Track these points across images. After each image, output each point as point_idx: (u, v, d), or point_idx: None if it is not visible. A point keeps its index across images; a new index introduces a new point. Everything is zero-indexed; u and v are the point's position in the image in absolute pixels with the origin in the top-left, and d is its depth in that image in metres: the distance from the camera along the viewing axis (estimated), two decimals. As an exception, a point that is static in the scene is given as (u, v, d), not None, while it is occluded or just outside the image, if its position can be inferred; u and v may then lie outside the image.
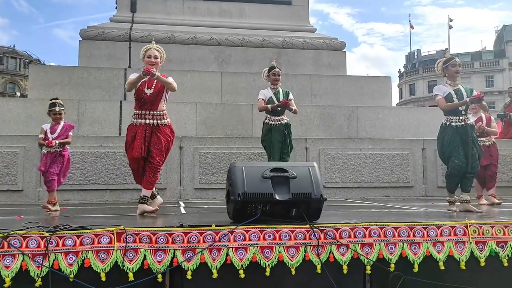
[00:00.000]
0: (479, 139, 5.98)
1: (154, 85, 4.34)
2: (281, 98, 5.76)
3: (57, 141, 5.04)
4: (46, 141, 5.00)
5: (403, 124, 9.22)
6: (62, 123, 5.22)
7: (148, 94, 4.32)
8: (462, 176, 4.65)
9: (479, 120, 6.16)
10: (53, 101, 5.26)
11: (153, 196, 4.52)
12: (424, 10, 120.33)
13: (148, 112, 4.32)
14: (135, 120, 4.36)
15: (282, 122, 5.75)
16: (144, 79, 4.32)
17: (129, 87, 4.43)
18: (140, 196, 4.38)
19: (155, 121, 4.33)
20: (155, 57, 4.44)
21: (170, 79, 4.40)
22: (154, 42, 4.64)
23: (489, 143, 6.14)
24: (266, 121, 5.82)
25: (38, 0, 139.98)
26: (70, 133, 5.23)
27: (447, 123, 4.67)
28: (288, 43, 10.28)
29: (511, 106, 9.66)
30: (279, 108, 5.71)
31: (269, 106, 5.69)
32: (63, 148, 5.12)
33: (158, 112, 4.35)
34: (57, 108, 5.17)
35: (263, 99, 5.78)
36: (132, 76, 4.38)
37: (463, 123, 4.61)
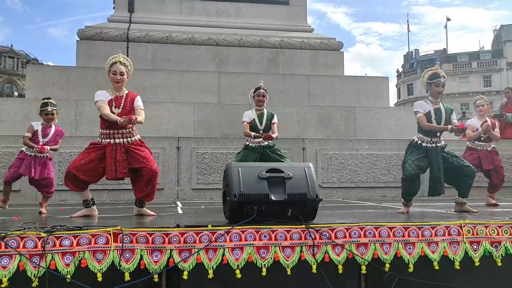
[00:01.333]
0: (481, 143, 5.95)
1: (122, 105, 4.12)
2: (264, 121, 5.69)
3: (48, 148, 4.80)
4: (40, 147, 4.72)
5: (400, 124, 9.24)
6: (54, 127, 4.95)
7: (116, 114, 4.07)
8: (456, 185, 4.57)
9: (485, 123, 6.10)
10: (45, 100, 4.97)
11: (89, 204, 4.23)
12: (421, 9, 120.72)
13: (116, 131, 4.08)
14: (102, 140, 4.12)
15: (262, 144, 5.65)
16: (109, 98, 4.14)
17: (110, 120, 4.05)
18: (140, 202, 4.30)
19: (125, 139, 4.10)
20: (121, 74, 4.15)
21: (142, 117, 4.11)
22: (120, 53, 4.36)
23: (490, 148, 6.07)
24: (246, 142, 5.79)
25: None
26: (60, 140, 5.02)
27: (418, 141, 4.55)
28: (285, 43, 10.30)
29: (508, 107, 9.71)
30: (260, 129, 5.67)
31: (252, 134, 5.65)
32: (48, 153, 4.88)
33: (127, 131, 4.11)
34: (49, 108, 4.88)
35: (248, 122, 5.71)
36: (100, 99, 4.10)
37: (434, 145, 4.49)
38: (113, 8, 10.57)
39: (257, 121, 5.70)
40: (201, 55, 9.90)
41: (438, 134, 4.54)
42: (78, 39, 9.80)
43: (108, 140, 4.09)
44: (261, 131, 5.65)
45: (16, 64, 49.55)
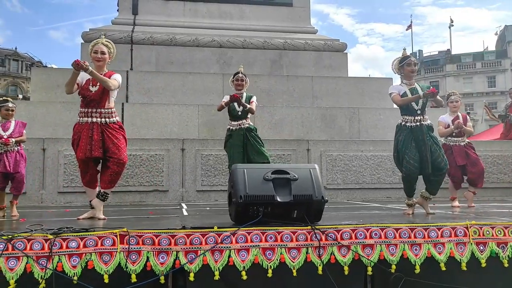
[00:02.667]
0: (453, 139, 5.89)
1: (98, 84, 4.08)
2: (243, 101, 5.72)
3: (13, 139, 4.79)
4: (3, 139, 4.73)
5: (405, 125, 9.21)
6: (13, 121, 4.98)
7: (93, 92, 4.08)
8: (425, 178, 4.57)
9: (456, 119, 5.96)
10: (5, 98, 5.06)
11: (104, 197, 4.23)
12: (424, 10, 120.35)
13: (94, 110, 4.08)
14: (81, 118, 4.12)
15: (242, 126, 5.65)
16: (87, 77, 4.09)
17: (67, 88, 4.11)
18: (100, 192, 4.22)
19: (103, 119, 4.08)
20: (102, 53, 4.18)
21: (112, 77, 4.11)
22: (104, 36, 4.37)
23: (464, 143, 5.92)
24: (227, 126, 5.81)
25: (33, 1, 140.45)
26: (24, 131, 5.01)
27: (402, 123, 4.56)
28: (289, 44, 10.30)
29: (513, 107, 9.68)
30: (239, 108, 5.64)
31: (223, 101, 5.67)
32: (19, 146, 4.89)
33: (105, 110, 4.11)
34: (10, 104, 4.94)
35: (223, 101, 5.73)
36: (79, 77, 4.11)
37: (418, 123, 4.48)
38: (117, 10, 10.61)
39: (235, 103, 5.68)
40: (205, 57, 9.92)
41: (419, 112, 4.51)
42: (83, 41, 9.83)
43: (86, 119, 4.09)
44: (239, 113, 5.66)
45: (20, 67, 49.78)
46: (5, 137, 4.79)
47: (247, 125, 5.69)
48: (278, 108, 8.89)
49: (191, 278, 2.97)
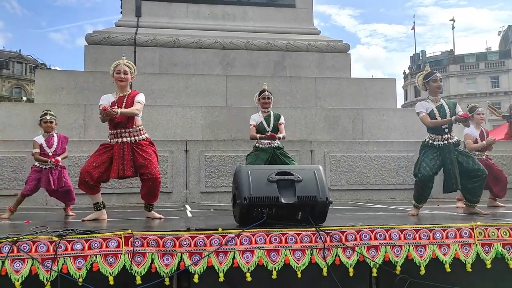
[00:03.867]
0: (476, 152, 5.82)
1: (124, 103, 4.18)
2: (271, 122, 5.67)
3: (60, 158, 4.92)
4: (54, 160, 4.83)
5: (408, 125, 9.20)
6: (55, 135, 5.06)
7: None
8: (462, 191, 4.49)
9: (482, 134, 6.01)
10: (45, 111, 5.13)
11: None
12: (426, 10, 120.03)
13: (123, 130, 4.16)
14: (111, 140, 4.20)
15: (272, 145, 5.63)
16: (112, 99, 4.21)
17: (101, 120, 4.20)
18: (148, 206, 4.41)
19: (132, 138, 4.17)
20: (125, 73, 4.27)
21: (136, 100, 4.21)
22: (125, 58, 4.48)
23: (484, 156, 5.94)
24: (256, 144, 5.77)
25: (33, 3, 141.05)
26: (66, 146, 5.12)
27: (430, 141, 4.51)
28: (292, 45, 10.30)
29: (517, 108, 9.62)
30: (268, 130, 5.65)
31: (258, 136, 5.63)
32: (61, 162, 4.99)
33: (133, 129, 4.19)
34: (48, 116, 5.01)
35: (254, 126, 5.71)
36: (102, 102, 4.18)
37: (446, 142, 4.43)
38: (120, 13, 10.64)
39: (264, 123, 5.70)
40: (208, 59, 9.93)
41: (446, 130, 4.47)
42: (86, 44, 9.87)
43: (116, 139, 4.17)
44: (268, 132, 5.65)
45: (24, 69, 49.99)
46: (50, 154, 4.90)
47: (276, 144, 5.67)
48: (281, 109, 8.85)
49: (196, 279, 2.97)
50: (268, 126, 5.69)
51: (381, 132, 9.04)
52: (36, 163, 4.94)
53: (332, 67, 10.39)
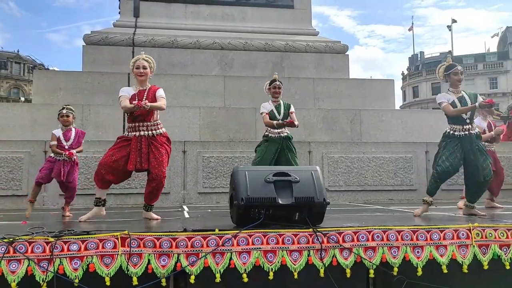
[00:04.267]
0: (486, 143, 5.76)
1: (145, 97, 4.24)
2: (282, 110, 5.67)
3: (75, 151, 5.00)
4: (68, 153, 4.90)
5: (407, 126, 9.22)
6: (74, 130, 5.15)
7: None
8: (472, 186, 4.46)
9: (490, 125, 6.02)
10: (63, 105, 5.26)
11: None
12: (425, 11, 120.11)
13: (142, 124, 4.23)
14: (129, 133, 4.27)
15: (282, 135, 5.63)
16: (133, 93, 4.28)
17: (126, 110, 4.32)
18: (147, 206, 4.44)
19: (149, 132, 4.24)
20: (144, 67, 4.35)
21: (159, 94, 4.32)
22: (143, 52, 4.55)
23: (493, 148, 5.99)
24: (266, 133, 5.77)
25: (32, 4, 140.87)
26: (82, 141, 5.19)
27: (451, 132, 4.45)
28: (290, 46, 10.31)
29: (515, 108, 9.64)
30: (279, 118, 5.62)
31: (274, 123, 5.62)
32: (75, 156, 5.08)
33: (152, 123, 4.27)
34: (64, 111, 5.10)
35: (266, 113, 5.70)
36: (123, 94, 4.27)
37: (467, 132, 4.39)
38: (119, 13, 10.63)
39: (275, 111, 5.69)
40: (206, 59, 9.93)
41: (468, 121, 4.43)
42: (84, 44, 9.86)
43: (134, 133, 4.22)
44: (280, 121, 5.63)
45: (22, 70, 49.92)
46: (66, 147, 4.99)
47: (286, 134, 5.67)
48: (279, 110, 8.88)
49: (192, 280, 2.96)
50: (279, 114, 5.68)
51: (380, 133, 9.05)
52: (52, 154, 5.05)
53: (330, 68, 10.39)
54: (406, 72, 56.99)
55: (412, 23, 78.87)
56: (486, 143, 5.89)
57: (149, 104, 4.10)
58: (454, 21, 51.24)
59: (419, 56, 57.57)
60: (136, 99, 4.21)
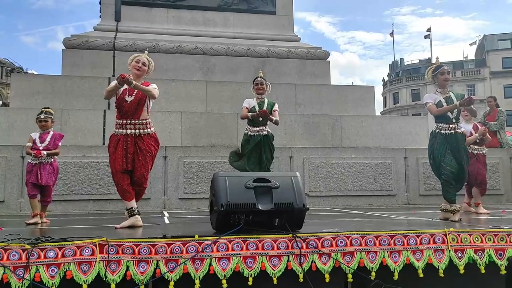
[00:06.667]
0: (477, 147, 5.96)
1: (135, 92, 4.12)
2: (265, 108, 5.75)
3: (45, 152, 4.88)
4: (35, 152, 4.84)
5: (386, 132, 9.34)
6: (51, 132, 5.07)
7: (128, 102, 4.12)
8: (457, 183, 4.59)
9: (475, 127, 6.11)
10: (42, 109, 5.18)
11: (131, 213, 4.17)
12: (404, 19, 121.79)
13: (129, 121, 4.12)
14: (117, 130, 4.16)
15: (261, 133, 5.71)
16: (123, 87, 4.14)
17: (107, 94, 4.21)
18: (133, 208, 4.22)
19: (137, 130, 4.13)
20: (143, 64, 4.28)
21: (151, 87, 4.19)
22: (147, 52, 4.53)
23: (484, 151, 6.05)
24: (245, 131, 5.84)
25: (10, 6, 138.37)
26: (59, 144, 5.08)
27: (437, 130, 4.61)
28: (272, 52, 10.37)
29: (491, 115, 9.88)
30: (260, 119, 5.69)
31: (249, 114, 5.70)
32: (53, 159, 4.99)
33: (140, 121, 4.15)
34: (42, 116, 5.03)
35: (246, 108, 5.78)
36: (113, 83, 4.19)
37: (453, 131, 4.54)
38: (99, 17, 10.55)
39: (257, 108, 5.73)
40: (188, 64, 9.91)
41: (454, 120, 4.57)
42: (64, 48, 9.74)
43: (121, 130, 4.14)
44: (260, 119, 5.66)
45: (0, 73, 48.93)
46: (40, 148, 4.91)
47: (266, 132, 5.72)
48: (261, 115, 8.91)
49: (171, 287, 2.95)
50: (265, 120, 5.73)
51: (360, 139, 9.15)
52: (29, 159, 5.00)
53: (312, 74, 10.48)
54: (386, 79, 57.81)
55: (393, 30, 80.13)
56: (477, 146, 6.00)
57: (132, 80, 3.97)
58: (429, 29, 52.27)
59: (399, 63, 58.47)
60: (127, 94, 4.13)
